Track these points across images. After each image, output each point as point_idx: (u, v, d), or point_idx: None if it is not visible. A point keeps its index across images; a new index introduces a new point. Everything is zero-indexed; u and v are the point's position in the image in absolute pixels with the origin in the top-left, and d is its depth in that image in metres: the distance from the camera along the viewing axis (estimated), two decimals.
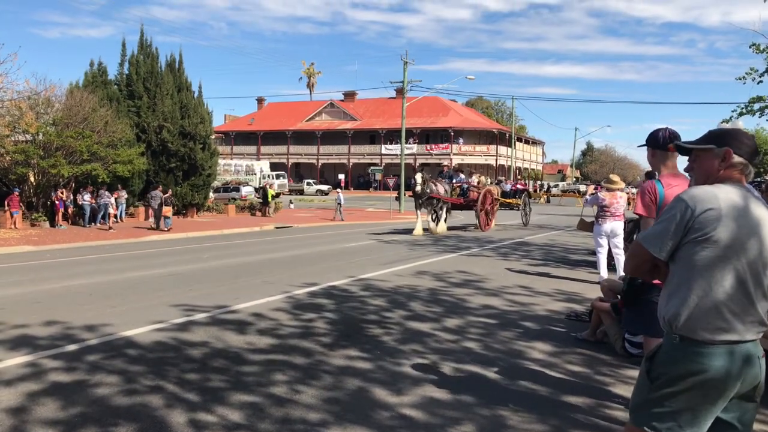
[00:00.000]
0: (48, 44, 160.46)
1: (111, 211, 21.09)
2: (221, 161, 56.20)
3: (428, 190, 18.54)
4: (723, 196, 2.22)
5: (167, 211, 20.16)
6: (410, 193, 19.30)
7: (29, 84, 21.27)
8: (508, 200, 24.40)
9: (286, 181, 55.13)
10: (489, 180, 23.90)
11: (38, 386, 4.56)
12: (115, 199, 21.84)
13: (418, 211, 19.07)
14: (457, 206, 21.29)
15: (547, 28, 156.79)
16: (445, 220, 20.07)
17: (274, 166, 59.06)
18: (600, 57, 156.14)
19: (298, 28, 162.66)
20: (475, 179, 22.34)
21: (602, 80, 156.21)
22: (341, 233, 19.29)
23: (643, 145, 3.92)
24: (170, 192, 21.82)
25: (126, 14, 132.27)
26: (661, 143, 3.82)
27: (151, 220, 21.21)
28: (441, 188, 19.46)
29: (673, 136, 3.76)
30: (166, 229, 19.65)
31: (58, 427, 3.83)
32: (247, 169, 53.05)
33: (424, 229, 19.01)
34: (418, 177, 18.33)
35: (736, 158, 2.30)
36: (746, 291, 2.19)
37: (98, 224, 20.74)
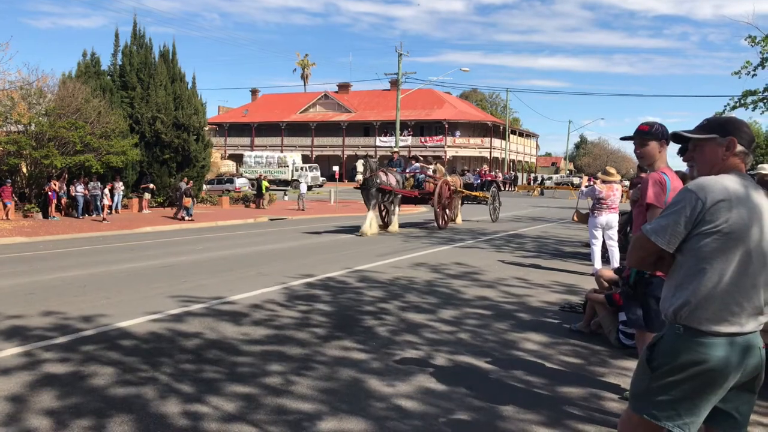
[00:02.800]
0: (40, 34, 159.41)
1: (106, 202, 21.07)
2: (252, 153, 54.11)
3: (378, 181, 15.67)
4: (731, 186, 2.22)
5: (187, 201, 20.72)
6: (356, 185, 16.38)
7: (21, 74, 21.16)
8: (473, 193, 21.28)
9: (318, 173, 50.60)
10: (435, 166, 19.69)
11: (33, 377, 4.55)
12: (110, 190, 21.79)
13: (369, 205, 15.98)
14: (411, 199, 18.18)
15: (541, 20, 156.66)
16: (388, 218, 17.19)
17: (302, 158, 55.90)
18: (593, 50, 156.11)
19: (292, 20, 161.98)
20: (431, 168, 19.03)
21: (596, 73, 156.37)
22: (334, 225, 19.26)
23: (629, 138, 3.91)
24: (191, 183, 22.40)
25: (118, 4, 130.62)
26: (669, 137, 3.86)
27: (146, 211, 23.30)
28: (392, 179, 16.52)
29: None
30: (187, 218, 20.31)
31: (54, 417, 3.83)
32: (278, 161, 50.73)
33: (357, 229, 16.11)
34: (359, 165, 15.42)
35: (739, 147, 2.31)
36: (753, 281, 2.21)
37: (93, 216, 20.67)
